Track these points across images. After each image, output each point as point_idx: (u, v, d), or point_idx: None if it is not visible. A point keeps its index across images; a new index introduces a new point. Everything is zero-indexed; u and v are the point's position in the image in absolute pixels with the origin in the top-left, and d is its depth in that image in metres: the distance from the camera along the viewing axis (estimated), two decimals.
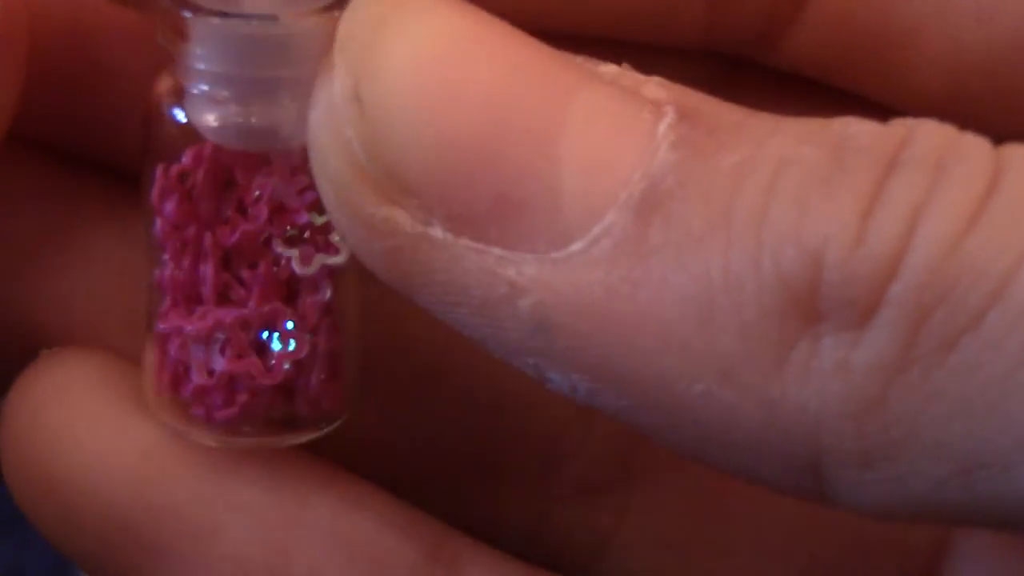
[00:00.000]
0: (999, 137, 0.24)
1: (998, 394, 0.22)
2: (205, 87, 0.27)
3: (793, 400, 0.23)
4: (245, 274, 0.28)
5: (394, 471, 0.31)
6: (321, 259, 0.28)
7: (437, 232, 0.24)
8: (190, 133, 0.28)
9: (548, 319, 0.24)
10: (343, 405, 0.29)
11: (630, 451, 0.31)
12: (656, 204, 0.24)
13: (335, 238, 0.28)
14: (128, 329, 0.30)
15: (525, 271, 0.24)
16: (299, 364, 0.28)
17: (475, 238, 0.24)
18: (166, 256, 0.28)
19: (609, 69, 0.25)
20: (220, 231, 0.28)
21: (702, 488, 0.31)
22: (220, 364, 0.28)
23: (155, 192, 0.28)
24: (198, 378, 0.28)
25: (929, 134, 0.24)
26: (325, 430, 0.29)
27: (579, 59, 0.25)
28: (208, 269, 0.28)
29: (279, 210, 0.28)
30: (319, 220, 0.28)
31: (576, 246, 0.24)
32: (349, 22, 0.25)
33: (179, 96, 0.28)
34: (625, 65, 0.25)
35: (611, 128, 0.24)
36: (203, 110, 0.28)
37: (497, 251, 0.24)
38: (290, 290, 0.28)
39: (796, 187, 0.23)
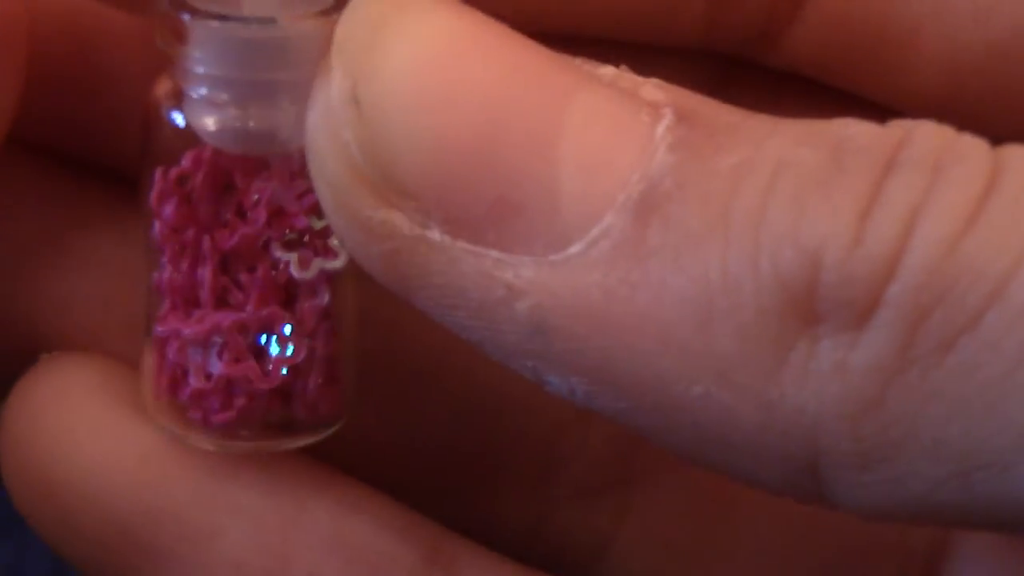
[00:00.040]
0: (997, 136, 0.24)
1: (996, 395, 0.22)
2: (204, 90, 0.27)
3: (791, 401, 0.23)
4: (243, 278, 0.28)
5: (392, 474, 0.31)
6: (319, 263, 0.28)
7: (435, 235, 0.24)
8: (189, 136, 0.28)
9: (546, 321, 0.24)
10: (341, 409, 0.29)
11: (629, 453, 0.31)
12: (654, 206, 0.24)
13: (334, 242, 0.28)
14: (128, 333, 0.30)
15: (523, 274, 0.24)
16: (296, 368, 0.28)
17: (473, 240, 0.24)
18: (164, 259, 0.28)
19: (607, 71, 0.25)
20: (219, 234, 0.28)
21: (702, 490, 0.31)
22: (217, 368, 0.28)
23: (154, 195, 0.28)
24: (195, 382, 0.28)
25: (927, 135, 0.24)
26: (323, 434, 0.29)
27: (577, 61, 0.25)
28: (206, 272, 0.28)
29: (278, 214, 0.28)
30: (318, 224, 0.28)
31: (574, 248, 0.24)
32: (347, 24, 0.25)
33: (178, 99, 0.28)
34: (623, 67, 0.25)
35: (609, 130, 0.24)
36: (202, 113, 0.28)
37: (495, 253, 0.24)
38: (288, 294, 0.28)
39: (794, 188, 0.23)
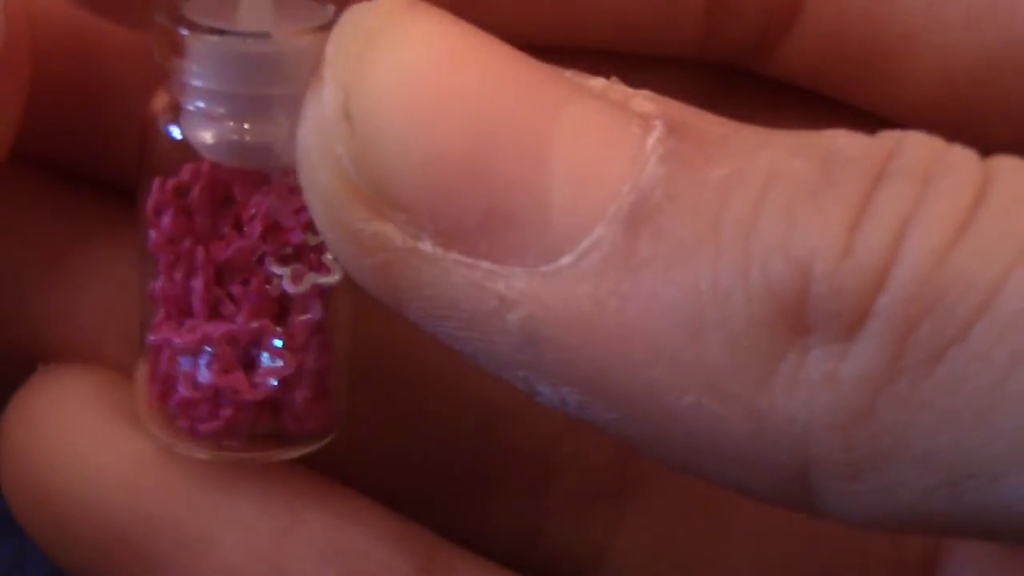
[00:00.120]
0: (990, 144, 0.24)
1: (985, 405, 0.22)
2: (201, 104, 0.27)
3: (781, 411, 0.23)
4: (236, 290, 0.28)
5: (388, 485, 0.31)
6: (312, 278, 0.28)
7: (427, 246, 0.24)
8: (186, 149, 0.28)
9: (537, 332, 0.24)
10: (331, 422, 0.29)
11: (623, 462, 0.31)
12: (645, 217, 0.24)
13: (328, 258, 0.28)
14: (127, 344, 0.30)
15: (514, 285, 0.24)
16: (285, 381, 0.28)
17: (464, 252, 0.24)
18: (159, 269, 0.28)
19: (597, 82, 0.25)
20: (214, 246, 0.28)
21: (695, 499, 0.31)
22: (206, 377, 0.28)
23: (151, 204, 0.28)
24: (184, 390, 0.28)
25: (916, 146, 0.24)
26: (313, 447, 0.29)
27: (567, 73, 0.25)
28: (199, 283, 0.28)
29: (274, 228, 0.28)
30: (314, 240, 0.28)
31: (565, 259, 0.24)
32: (338, 37, 0.25)
33: (175, 113, 0.28)
34: (614, 78, 0.25)
35: (600, 141, 0.24)
36: (198, 127, 0.28)
37: (486, 265, 0.24)
38: (281, 308, 0.28)
39: (784, 199, 0.23)
